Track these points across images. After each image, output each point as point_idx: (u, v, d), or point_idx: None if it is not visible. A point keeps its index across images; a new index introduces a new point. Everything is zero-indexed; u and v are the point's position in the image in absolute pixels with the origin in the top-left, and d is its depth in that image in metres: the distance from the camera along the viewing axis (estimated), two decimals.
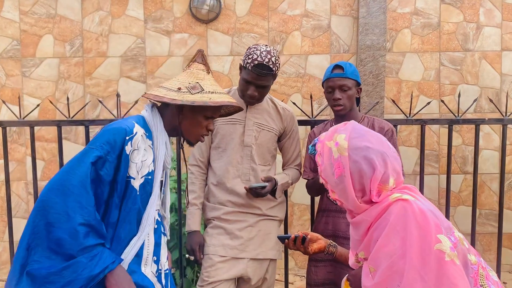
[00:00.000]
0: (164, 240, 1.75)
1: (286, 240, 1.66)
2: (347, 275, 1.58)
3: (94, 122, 2.65)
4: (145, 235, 1.61)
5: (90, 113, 3.90)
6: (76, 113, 2.67)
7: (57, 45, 3.89)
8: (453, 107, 3.80)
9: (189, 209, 2.21)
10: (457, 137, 3.91)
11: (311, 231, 2.32)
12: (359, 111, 2.35)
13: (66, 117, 2.62)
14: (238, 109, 1.84)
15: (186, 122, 1.68)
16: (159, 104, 1.73)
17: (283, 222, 2.50)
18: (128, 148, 1.55)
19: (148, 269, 1.63)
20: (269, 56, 2.07)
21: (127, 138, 1.55)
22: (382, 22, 3.73)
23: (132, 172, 1.56)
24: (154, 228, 1.66)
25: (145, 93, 1.65)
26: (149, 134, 1.64)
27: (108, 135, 1.55)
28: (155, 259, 1.67)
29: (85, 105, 2.69)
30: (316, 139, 1.48)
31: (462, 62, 3.91)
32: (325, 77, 2.19)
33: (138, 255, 1.61)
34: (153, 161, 1.62)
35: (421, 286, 1.21)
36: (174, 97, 1.59)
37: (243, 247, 2.15)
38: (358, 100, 2.27)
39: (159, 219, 1.71)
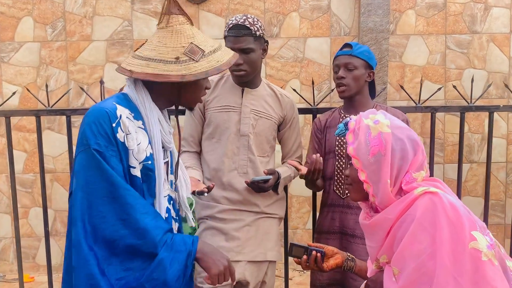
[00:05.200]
0: (175, 227, 1.60)
1: (296, 260, 1.49)
2: (365, 281, 1.44)
3: (76, 111, 2.45)
4: None
5: (75, 102, 3.72)
6: (56, 102, 2.46)
7: (37, 28, 3.70)
8: (461, 92, 3.63)
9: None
10: None
11: (314, 227, 2.19)
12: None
13: (46, 106, 2.42)
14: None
15: (188, 92, 1.50)
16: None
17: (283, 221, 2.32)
18: (120, 135, 1.36)
19: None
20: (244, 17, 1.96)
21: (114, 125, 1.35)
22: (385, 3, 3.54)
23: (132, 160, 1.39)
24: (165, 218, 1.50)
25: (131, 71, 1.40)
26: (136, 114, 1.44)
27: (93, 127, 1.35)
28: None
29: (66, 93, 2.49)
30: (348, 117, 1.38)
31: (469, 45, 3.74)
32: (334, 56, 2.07)
33: None
34: (150, 143, 1.44)
35: None
36: (180, 72, 1.39)
37: (240, 249, 1.99)
38: (372, 88, 2.09)
39: (169, 206, 1.55)
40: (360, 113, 1.36)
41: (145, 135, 1.44)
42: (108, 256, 1.33)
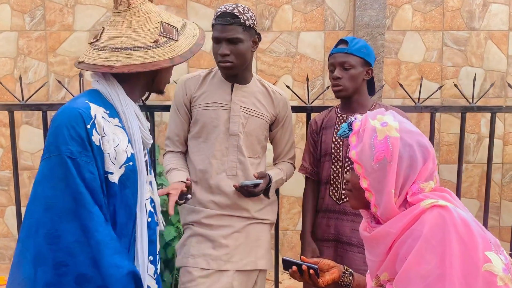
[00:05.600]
0: (157, 232, 1.47)
1: (290, 270, 1.35)
2: None
3: (53, 106, 2.28)
4: (140, 235, 1.34)
5: (55, 95, 3.53)
6: (32, 96, 2.28)
7: (15, 17, 3.50)
8: (456, 92, 3.53)
9: (170, 173, 1.89)
10: (458, 124, 3.64)
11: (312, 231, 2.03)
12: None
13: (20, 101, 2.25)
14: None
15: (163, 75, 1.41)
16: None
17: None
18: (96, 138, 1.21)
19: (145, 274, 1.35)
20: (234, 6, 1.82)
21: (88, 126, 1.20)
22: None
23: (109, 165, 1.24)
24: (147, 222, 1.37)
25: (111, 66, 1.25)
26: (111, 112, 1.29)
27: (64, 130, 1.19)
28: (152, 259, 1.41)
29: (42, 87, 2.31)
30: (352, 117, 1.25)
31: (467, 42, 3.63)
32: (330, 53, 1.92)
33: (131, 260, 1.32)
34: (129, 141, 1.30)
35: None
36: (167, 55, 1.29)
37: (228, 257, 1.86)
38: (371, 85, 1.95)
39: (151, 209, 1.41)
40: (367, 112, 1.22)
41: (124, 134, 1.30)
42: (54, 283, 1.15)
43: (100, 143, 1.22)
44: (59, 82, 2.30)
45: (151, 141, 1.44)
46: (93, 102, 1.26)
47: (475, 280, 1.02)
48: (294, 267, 1.34)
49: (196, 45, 1.35)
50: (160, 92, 1.46)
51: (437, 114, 3.58)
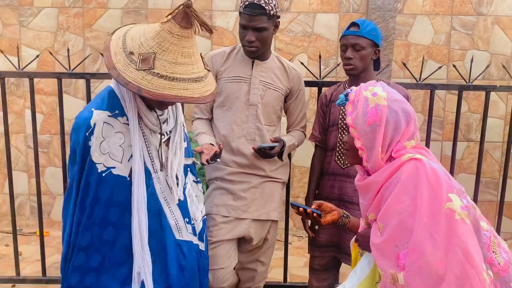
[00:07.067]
0: (189, 199, 1.69)
1: (296, 210, 1.62)
2: (355, 236, 1.58)
3: (95, 75, 2.57)
4: (170, 210, 1.57)
5: (90, 67, 3.78)
6: (77, 66, 2.57)
7: None
8: (462, 72, 3.69)
9: (199, 136, 2.13)
10: (463, 104, 3.84)
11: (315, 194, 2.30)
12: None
13: (67, 70, 2.53)
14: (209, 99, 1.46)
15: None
16: None
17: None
18: (92, 143, 1.43)
19: (184, 233, 1.60)
20: None
21: (87, 134, 1.41)
22: None
23: (108, 162, 1.43)
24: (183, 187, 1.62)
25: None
26: (120, 111, 1.44)
27: (73, 134, 1.44)
28: (187, 220, 1.63)
29: (86, 58, 2.59)
30: (349, 89, 1.47)
31: (474, 26, 3.78)
32: (342, 34, 2.11)
33: (164, 227, 1.57)
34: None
35: (430, 244, 1.24)
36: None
37: (246, 208, 2.11)
38: (377, 63, 2.18)
39: (186, 179, 1.66)
40: (361, 84, 1.45)
41: (128, 132, 1.46)
42: None
43: (91, 145, 1.41)
44: (101, 53, 2.58)
45: (163, 128, 1.57)
46: (98, 108, 1.43)
47: (439, 215, 1.25)
48: (301, 209, 1.61)
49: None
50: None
51: (443, 95, 3.79)
